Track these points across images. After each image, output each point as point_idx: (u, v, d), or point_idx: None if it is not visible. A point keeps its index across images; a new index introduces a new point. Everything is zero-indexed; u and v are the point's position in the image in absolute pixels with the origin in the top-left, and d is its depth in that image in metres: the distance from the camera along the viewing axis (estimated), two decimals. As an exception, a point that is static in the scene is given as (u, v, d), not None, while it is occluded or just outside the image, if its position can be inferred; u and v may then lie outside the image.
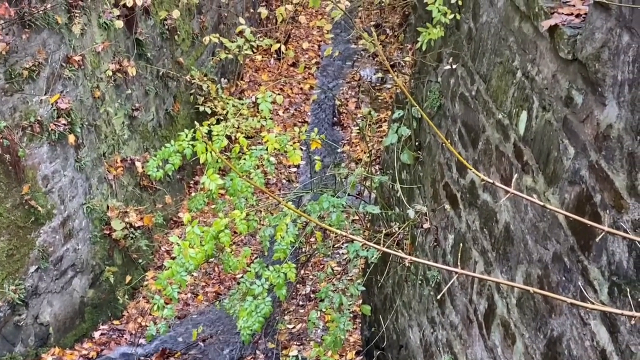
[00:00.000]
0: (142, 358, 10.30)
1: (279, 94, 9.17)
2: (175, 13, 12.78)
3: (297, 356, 9.69)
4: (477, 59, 5.80)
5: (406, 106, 7.35)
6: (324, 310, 7.21)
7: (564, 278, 4.16)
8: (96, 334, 10.76)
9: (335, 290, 7.13)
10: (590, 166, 3.88)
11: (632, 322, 3.36)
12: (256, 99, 6.85)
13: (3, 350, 9.60)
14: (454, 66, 6.25)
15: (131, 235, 11.04)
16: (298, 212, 3.37)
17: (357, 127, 14.32)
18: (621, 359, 3.55)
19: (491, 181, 2.25)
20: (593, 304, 2.95)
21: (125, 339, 10.73)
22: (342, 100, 16.25)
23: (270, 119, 7.32)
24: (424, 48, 6.40)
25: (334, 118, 16.01)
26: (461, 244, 5.98)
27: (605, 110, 3.75)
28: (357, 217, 9.33)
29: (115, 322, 11.04)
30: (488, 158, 5.43)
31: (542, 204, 2.22)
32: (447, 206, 6.39)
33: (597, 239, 3.71)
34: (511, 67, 5.06)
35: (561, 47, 4.23)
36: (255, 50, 14.48)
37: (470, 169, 2.26)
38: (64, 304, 10.32)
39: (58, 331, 10.28)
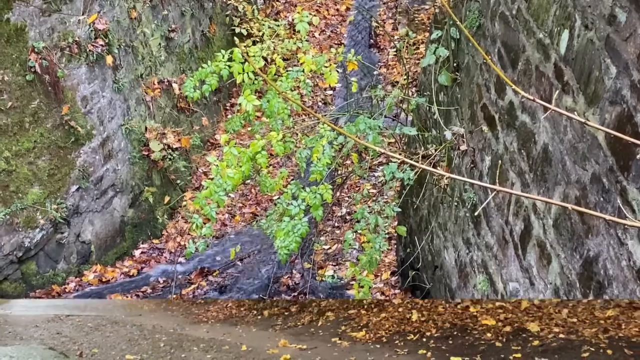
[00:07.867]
0: (181, 275, 10.54)
1: (315, 16, 9.07)
2: None
3: (333, 275, 9.83)
4: (518, -23, 5.67)
5: (445, 27, 7.24)
6: (359, 231, 7.25)
7: (602, 199, 4.15)
8: (136, 252, 11.01)
9: (371, 211, 7.14)
10: (632, 85, 3.82)
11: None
12: (293, 19, 6.78)
13: (46, 267, 9.89)
14: (495, -15, 6.12)
15: (169, 156, 11.17)
16: (338, 129, 3.39)
17: (395, 49, 14.16)
18: (657, 278, 3.56)
19: (532, 98, 2.24)
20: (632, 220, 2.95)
21: (165, 257, 10.97)
22: (379, 21, 16.03)
23: (306, 41, 7.25)
24: (464, -34, 6.27)
25: (371, 40, 15.83)
26: (498, 165, 5.96)
27: (650, 28, 3.67)
28: (393, 140, 9.31)
29: (155, 240, 11.27)
30: (528, 78, 5.36)
31: (583, 120, 2.20)
32: (485, 128, 6.35)
33: (638, 157, 3.68)
34: (554, -15, 4.95)
35: (606, -37, 4.11)
36: (291, -30, 14.29)
37: (511, 86, 2.25)
38: (104, 223, 10.54)
39: (99, 249, 10.53)
